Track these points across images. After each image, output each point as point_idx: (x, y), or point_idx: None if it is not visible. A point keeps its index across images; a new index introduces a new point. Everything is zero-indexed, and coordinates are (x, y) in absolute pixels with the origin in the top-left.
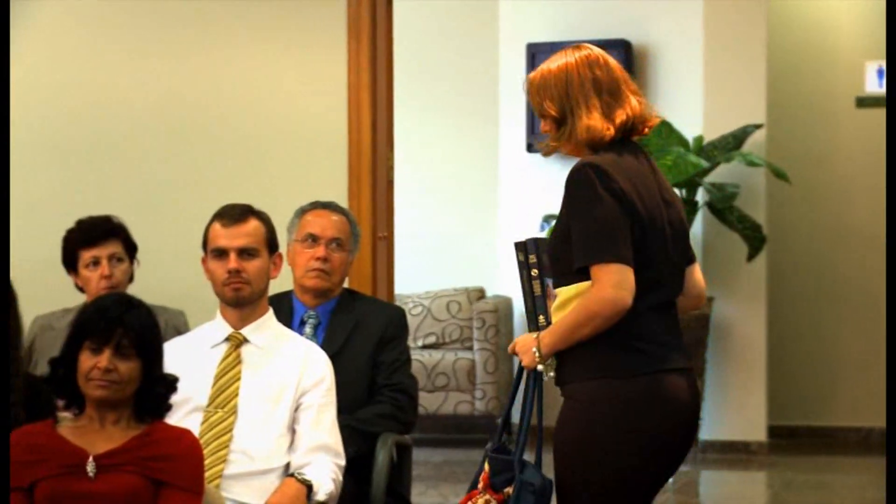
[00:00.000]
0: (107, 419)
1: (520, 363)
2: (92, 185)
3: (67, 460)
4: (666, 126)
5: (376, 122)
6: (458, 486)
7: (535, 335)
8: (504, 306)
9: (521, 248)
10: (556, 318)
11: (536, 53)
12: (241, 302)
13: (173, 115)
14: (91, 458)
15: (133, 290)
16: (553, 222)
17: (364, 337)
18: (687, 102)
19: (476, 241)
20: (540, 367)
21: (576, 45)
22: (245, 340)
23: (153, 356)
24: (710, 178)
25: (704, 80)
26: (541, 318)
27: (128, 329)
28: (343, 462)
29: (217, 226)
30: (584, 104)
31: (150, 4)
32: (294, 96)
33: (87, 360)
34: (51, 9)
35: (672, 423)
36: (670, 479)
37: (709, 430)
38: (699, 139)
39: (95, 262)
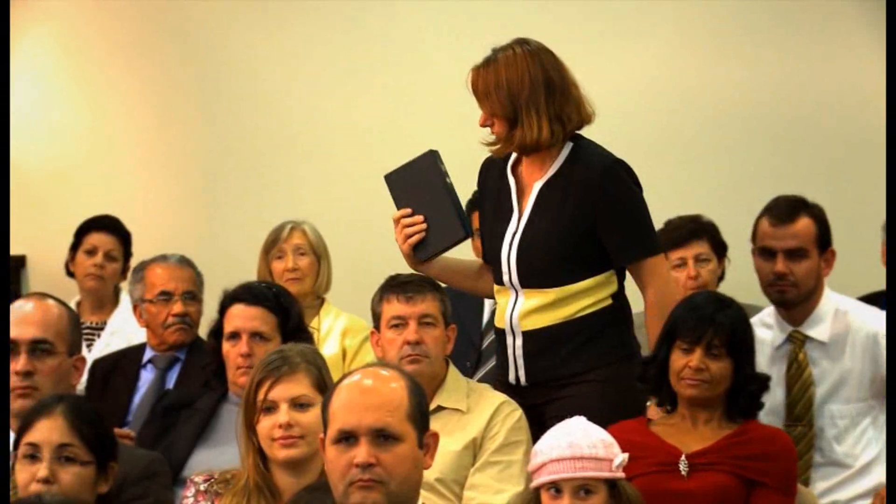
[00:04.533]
0: (699, 418)
1: None
2: (681, 182)
3: (661, 458)
4: None
5: None
6: None
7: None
8: None
9: (433, 157)
10: (547, 317)
11: None
12: (787, 303)
13: (753, 111)
14: (684, 457)
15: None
16: None
17: None
18: None
19: None
20: None
21: (520, 39)
22: (806, 338)
23: (745, 355)
24: None
25: None
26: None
27: (719, 328)
28: None
29: (766, 224)
30: (534, 111)
31: (729, 5)
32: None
33: (678, 360)
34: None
35: None
36: None
37: None
38: None
39: (681, 264)
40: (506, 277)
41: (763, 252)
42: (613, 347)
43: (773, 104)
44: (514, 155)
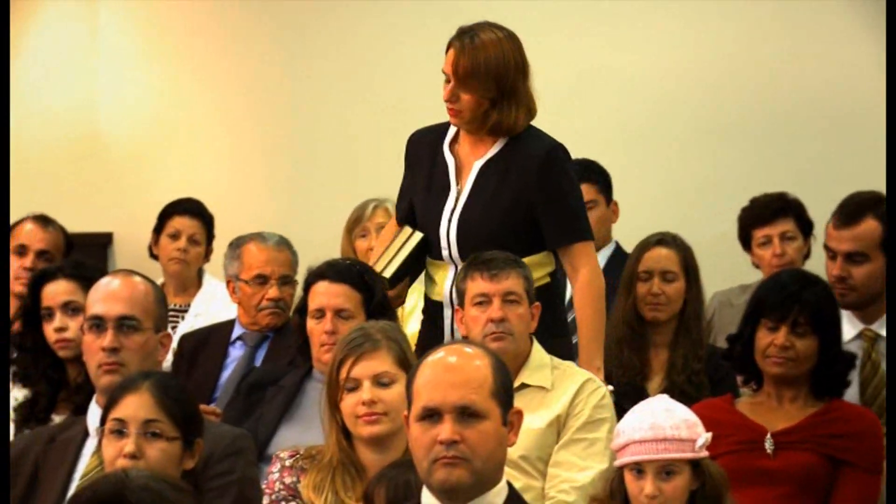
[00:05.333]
0: (784, 396)
1: None
2: (765, 161)
3: (746, 436)
4: None
5: None
6: None
7: None
8: None
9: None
10: None
11: None
12: (847, 306)
13: (840, 91)
14: (769, 435)
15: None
16: None
17: None
18: None
19: None
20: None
21: (491, 23)
22: (877, 336)
23: (831, 333)
24: None
25: None
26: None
27: (805, 306)
28: None
29: (831, 224)
30: (513, 96)
31: None
32: None
33: (764, 338)
34: None
35: None
36: None
37: None
38: None
39: (767, 241)
40: (445, 252)
41: (827, 252)
42: (549, 326)
43: (861, 83)
44: (451, 131)
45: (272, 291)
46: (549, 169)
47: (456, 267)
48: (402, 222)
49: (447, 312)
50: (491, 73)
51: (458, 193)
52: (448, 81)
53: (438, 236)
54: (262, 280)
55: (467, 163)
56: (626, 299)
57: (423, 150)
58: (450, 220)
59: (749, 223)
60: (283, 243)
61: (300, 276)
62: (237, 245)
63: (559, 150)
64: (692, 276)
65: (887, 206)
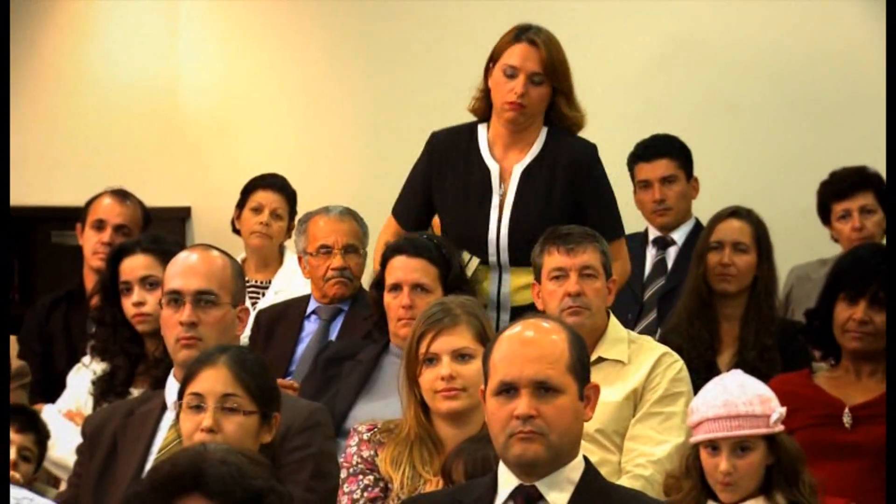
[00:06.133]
0: (863, 371)
1: None
2: (845, 135)
3: (824, 410)
4: None
5: None
6: None
7: None
8: None
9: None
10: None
11: None
12: None
13: None
14: (847, 409)
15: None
16: None
17: None
18: None
19: None
20: None
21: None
22: None
23: None
24: None
25: None
26: None
27: (884, 280)
28: None
29: None
30: (572, 90)
31: None
32: None
33: (842, 312)
34: None
35: None
36: None
37: None
38: None
39: (846, 215)
40: (493, 259)
41: None
42: None
43: None
44: (483, 135)
45: (336, 260)
46: (595, 168)
47: (500, 270)
48: (409, 226)
49: (493, 314)
50: (564, 66)
51: (502, 199)
52: (513, 77)
53: (485, 242)
54: (326, 250)
55: (507, 167)
56: (697, 269)
57: (453, 153)
58: (499, 226)
59: (828, 197)
60: (347, 213)
61: (379, 250)
62: (304, 220)
63: (596, 149)
64: (764, 250)
65: (887, 205)
